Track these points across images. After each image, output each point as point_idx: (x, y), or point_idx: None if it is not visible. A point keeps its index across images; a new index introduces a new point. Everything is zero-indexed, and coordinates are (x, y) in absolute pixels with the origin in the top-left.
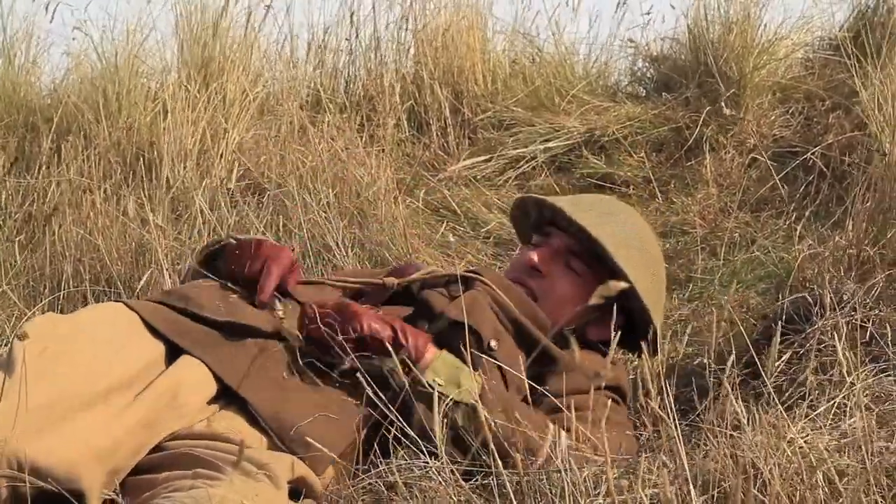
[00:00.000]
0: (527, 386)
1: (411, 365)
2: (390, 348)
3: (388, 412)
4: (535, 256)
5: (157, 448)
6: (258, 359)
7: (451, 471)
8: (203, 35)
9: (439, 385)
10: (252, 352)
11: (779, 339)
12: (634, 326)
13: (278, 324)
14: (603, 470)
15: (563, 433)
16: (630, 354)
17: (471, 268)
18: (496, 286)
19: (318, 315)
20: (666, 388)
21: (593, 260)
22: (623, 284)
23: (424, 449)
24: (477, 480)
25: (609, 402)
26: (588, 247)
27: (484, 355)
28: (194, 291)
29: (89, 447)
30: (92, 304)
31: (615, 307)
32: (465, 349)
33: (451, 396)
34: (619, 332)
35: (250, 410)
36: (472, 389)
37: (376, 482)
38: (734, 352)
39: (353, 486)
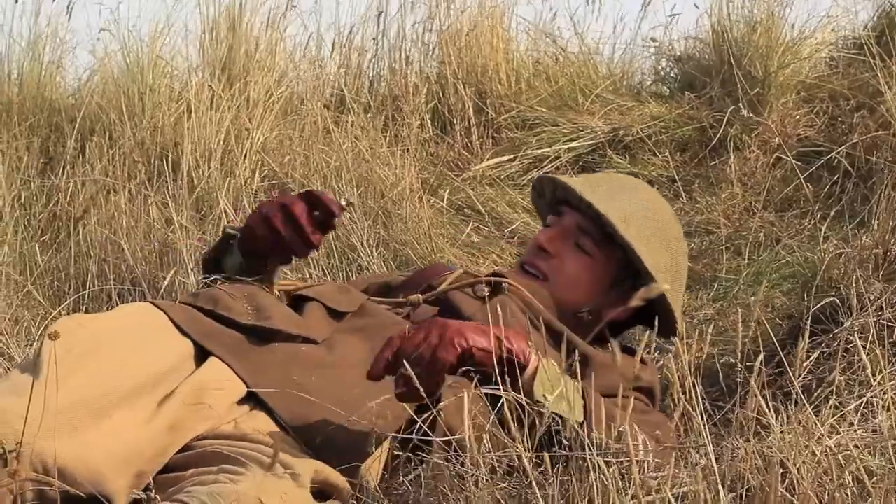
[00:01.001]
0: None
1: (517, 375)
2: (495, 362)
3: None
4: (542, 237)
5: (185, 447)
6: (285, 364)
7: (487, 471)
8: (226, 35)
9: (546, 400)
10: (279, 357)
11: (808, 338)
12: (653, 304)
13: (304, 326)
14: (630, 469)
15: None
16: (656, 338)
17: (496, 270)
18: (525, 288)
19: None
20: (694, 386)
21: (604, 238)
22: (666, 287)
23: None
24: (510, 481)
25: (636, 402)
26: (599, 225)
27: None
28: (223, 293)
29: (115, 452)
30: (120, 305)
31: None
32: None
33: (560, 413)
34: (638, 319)
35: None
36: (580, 406)
37: (406, 485)
38: (762, 351)
39: (380, 489)
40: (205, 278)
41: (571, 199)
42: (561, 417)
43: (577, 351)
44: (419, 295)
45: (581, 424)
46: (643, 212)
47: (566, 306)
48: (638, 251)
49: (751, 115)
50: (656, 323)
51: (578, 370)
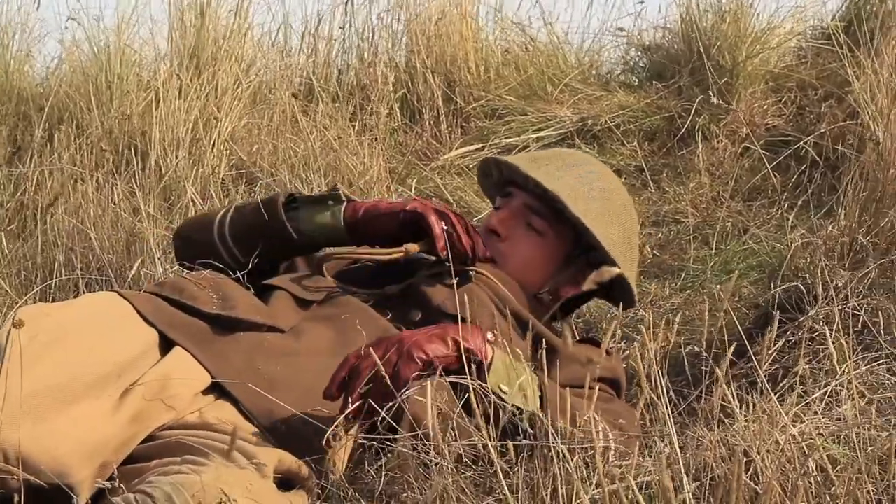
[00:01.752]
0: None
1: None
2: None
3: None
4: (493, 220)
5: (150, 438)
6: (249, 354)
7: (452, 460)
8: (194, 23)
9: (503, 392)
10: (243, 346)
11: (775, 328)
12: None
13: (269, 315)
14: (594, 458)
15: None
16: (615, 308)
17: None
18: (494, 277)
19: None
20: (659, 376)
21: (554, 216)
22: (616, 270)
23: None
24: (476, 470)
25: (600, 392)
26: (548, 203)
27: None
28: (188, 282)
29: (79, 443)
30: (85, 294)
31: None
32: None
33: (515, 404)
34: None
35: None
36: (535, 396)
37: (371, 474)
38: (727, 340)
39: (345, 478)
40: (180, 265)
41: (518, 179)
42: (520, 409)
43: (544, 341)
44: (415, 245)
45: (538, 414)
46: (590, 186)
47: (524, 287)
48: (589, 226)
49: (720, 103)
50: (620, 303)
51: (545, 361)
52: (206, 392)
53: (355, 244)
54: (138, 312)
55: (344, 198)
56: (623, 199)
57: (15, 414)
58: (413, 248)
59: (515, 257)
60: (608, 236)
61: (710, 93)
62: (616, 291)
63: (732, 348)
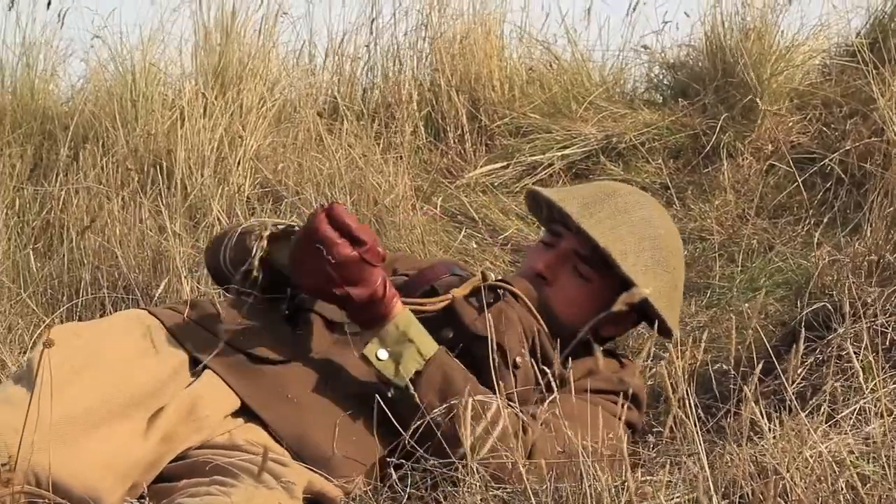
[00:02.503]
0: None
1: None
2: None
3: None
4: (539, 264)
5: (179, 457)
6: (279, 380)
7: (479, 476)
8: (219, 42)
9: (378, 360)
10: (272, 372)
11: (802, 345)
12: (649, 319)
13: (292, 353)
14: (625, 478)
15: (503, 417)
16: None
17: (500, 278)
18: (527, 298)
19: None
20: (687, 393)
21: (603, 265)
22: (646, 291)
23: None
24: (504, 489)
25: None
26: (597, 251)
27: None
28: (215, 310)
29: (110, 466)
30: (115, 313)
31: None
32: (492, 365)
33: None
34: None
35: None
36: (409, 371)
37: (400, 492)
38: (755, 358)
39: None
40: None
41: (569, 223)
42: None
43: (551, 371)
44: (460, 290)
45: (406, 388)
46: (641, 236)
47: (562, 325)
48: (638, 283)
49: (744, 121)
50: (656, 324)
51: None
52: (235, 415)
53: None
54: (168, 332)
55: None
56: (672, 245)
57: (45, 439)
58: (459, 292)
59: (561, 301)
60: (657, 288)
61: (734, 114)
62: (652, 324)
63: (760, 366)
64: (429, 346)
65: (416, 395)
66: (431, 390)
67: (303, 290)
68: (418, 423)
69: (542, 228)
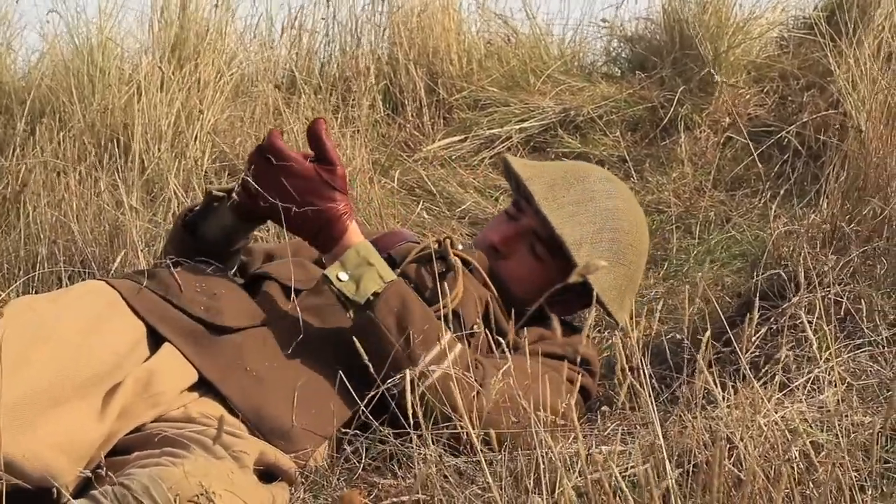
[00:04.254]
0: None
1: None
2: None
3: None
4: (496, 236)
5: (133, 430)
6: (237, 352)
7: (435, 446)
8: (176, 16)
9: (339, 281)
10: (230, 344)
11: (756, 313)
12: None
13: (254, 315)
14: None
15: (457, 348)
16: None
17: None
18: (482, 267)
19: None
20: (642, 363)
21: (558, 249)
22: (603, 263)
23: (407, 425)
24: (461, 457)
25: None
26: (554, 236)
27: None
28: (173, 280)
29: (65, 449)
30: (73, 285)
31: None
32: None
33: (344, 292)
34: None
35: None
36: (369, 290)
37: (356, 463)
38: (709, 328)
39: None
40: (160, 260)
41: (532, 203)
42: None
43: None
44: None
45: (363, 308)
46: (601, 228)
47: (513, 297)
48: (591, 277)
49: (702, 93)
50: (594, 296)
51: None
52: (191, 389)
53: (251, 226)
54: (126, 303)
55: (219, 192)
56: (634, 240)
57: (2, 421)
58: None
59: (512, 275)
60: (610, 281)
61: (691, 85)
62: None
63: (708, 333)
64: (389, 272)
65: (373, 315)
66: (390, 313)
67: (261, 211)
68: (374, 344)
69: (511, 197)
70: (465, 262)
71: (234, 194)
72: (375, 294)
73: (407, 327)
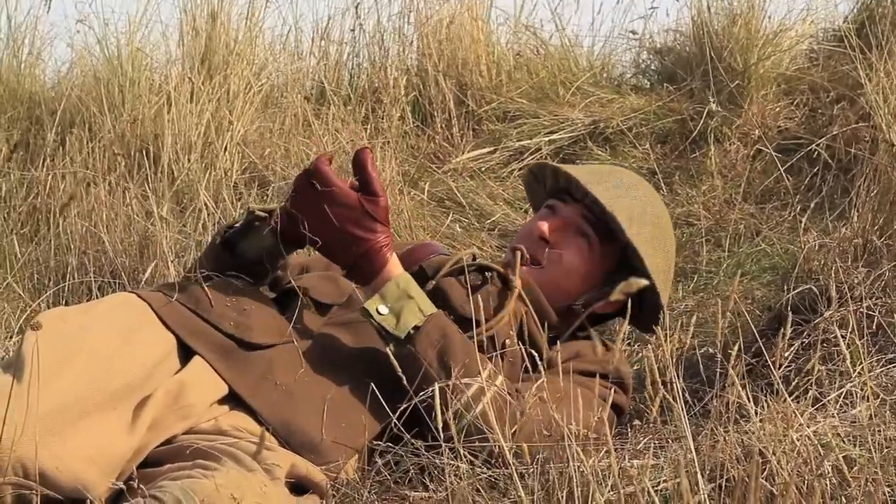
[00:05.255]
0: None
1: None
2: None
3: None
4: (544, 226)
5: (165, 441)
6: (267, 366)
7: (468, 461)
8: (206, 27)
9: (379, 315)
10: (261, 359)
11: (789, 328)
12: (641, 299)
13: (282, 333)
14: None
15: (498, 380)
16: (634, 329)
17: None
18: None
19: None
20: (674, 376)
21: (605, 232)
22: (644, 282)
23: (438, 439)
24: (491, 470)
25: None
26: (601, 219)
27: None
28: (204, 295)
29: (97, 459)
30: (104, 297)
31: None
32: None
33: (384, 325)
34: (622, 311)
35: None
36: (409, 324)
37: (387, 476)
38: (741, 343)
39: (361, 481)
40: (190, 273)
41: (574, 191)
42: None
43: (540, 356)
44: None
45: (404, 341)
46: (644, 212)
47: (557, 295)
48: (641, 252)
49: (725, 112)
50: (628, 312)
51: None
52: (222, 401)
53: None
54: (157, 315)
55: (261, 213)
56: (669, 227)
57: (32, 431)
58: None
59: (560, 266)
60: (654, 262)
61: (712, 99)
62: (646, 313)
63: (738, 345)
64: (429, 305)
65: (414, 349)
66: (430, 346)
67: (301, 236)
68: (415, 378)
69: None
70: (501, 276)
71: (274, 219)
72: (416, 328)
73: (448, 361)
